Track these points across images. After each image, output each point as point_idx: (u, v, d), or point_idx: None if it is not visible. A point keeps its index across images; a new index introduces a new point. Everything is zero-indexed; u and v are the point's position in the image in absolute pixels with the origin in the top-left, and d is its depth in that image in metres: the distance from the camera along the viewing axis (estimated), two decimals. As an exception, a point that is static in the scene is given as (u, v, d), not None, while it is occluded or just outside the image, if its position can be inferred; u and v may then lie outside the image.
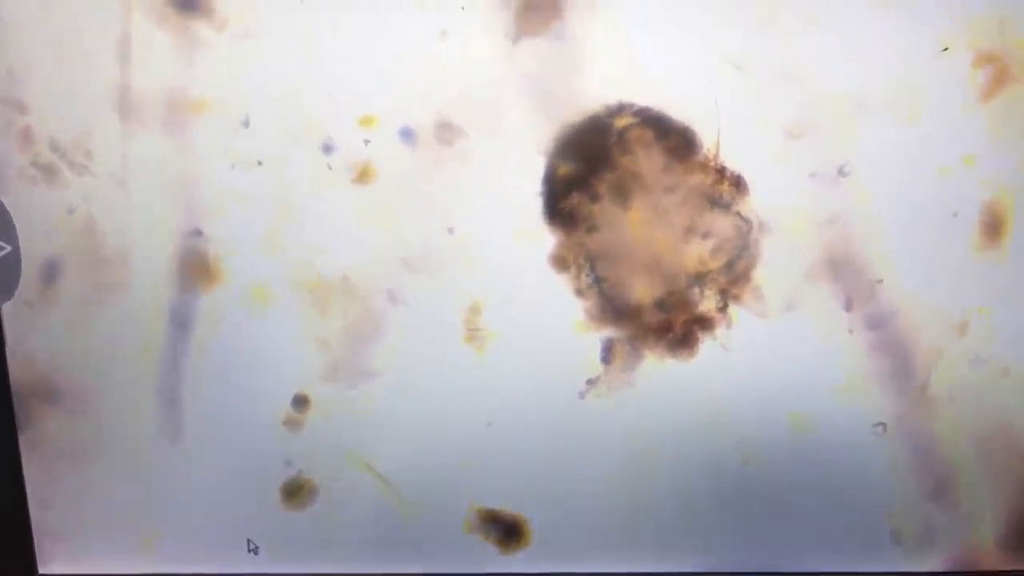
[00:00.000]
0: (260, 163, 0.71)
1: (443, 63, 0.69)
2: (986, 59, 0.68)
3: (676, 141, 0.70)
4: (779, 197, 0.71)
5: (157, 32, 0.69)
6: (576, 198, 0.71)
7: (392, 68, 0.69)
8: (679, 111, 0.70)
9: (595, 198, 0.71)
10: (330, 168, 0.71)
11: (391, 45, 0.69)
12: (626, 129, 0.70)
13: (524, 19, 0.68)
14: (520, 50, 0.69)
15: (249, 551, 0.77)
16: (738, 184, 0.71)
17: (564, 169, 0.71)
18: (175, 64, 0.69)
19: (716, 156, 0.70)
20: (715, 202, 0.71)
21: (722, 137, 0.70)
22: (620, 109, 0.70)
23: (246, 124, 0.70)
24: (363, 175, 0.71)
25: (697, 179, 0.71)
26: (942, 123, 0.69)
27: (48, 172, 0.71)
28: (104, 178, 0.71)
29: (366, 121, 0.70)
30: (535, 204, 0.71)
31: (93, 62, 0.70)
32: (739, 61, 0.69)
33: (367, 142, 0.70)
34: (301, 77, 0.70)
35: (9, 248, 0.72)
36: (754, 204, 0.71)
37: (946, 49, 0.66)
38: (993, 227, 0.71)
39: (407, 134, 0.70)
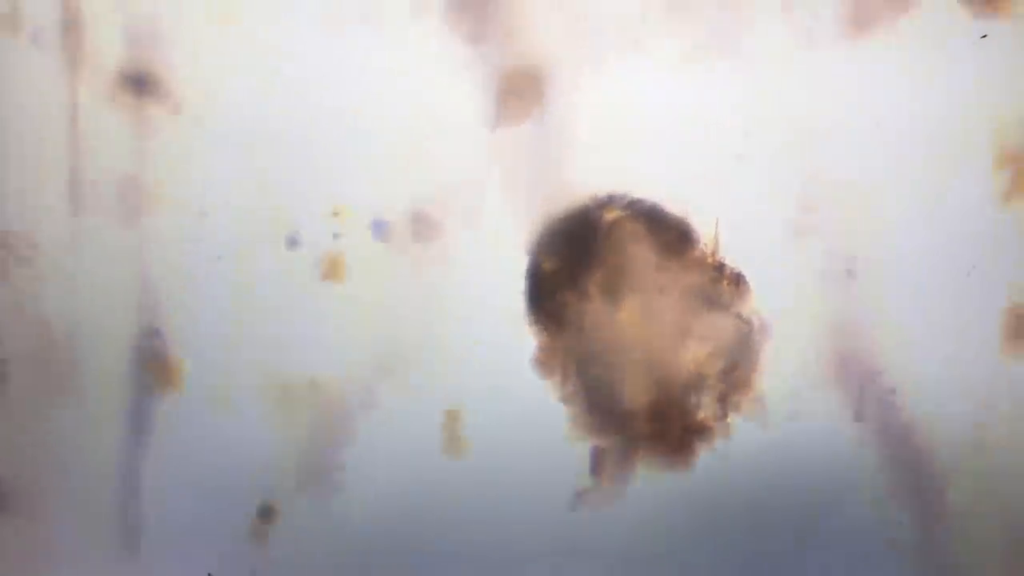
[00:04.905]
0: (220, 257, 0.66)
1: (419, 151, 0.64)
2: (1009, 159, 0.62)
3: (670, 236, 0.65)
4: (783, 297, 0.65)
5: (107, 114, 0.64)
6: (562, 297, 0.66)
7: (363, 156, 0.64)
8: (674, 203, 0.64)
9: (583, 297, 0.66)
10: (296, 263, 0.65)
11: (362, 130, 0.64)
12: (616, 223, 0.65)
13: (505, 104, 0.63)
14: (500, 138, 0.63)
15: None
16: (738, 283, 0.65)
17: (549, 265, 0.65)
18: (126, 150, 0.64)
19: (714, 252, 0.65)
20: (713, 302, 0.65)
21: (721, 232, 0.64)
22: (609, 201, 0.65)
23: (204, 215, 0.65)
24: (332, 271, 0.66)
25: (693, 277, 0.65)
26: (960, 223, 0.63)
27: (-6, 266, 0.66)
28: (54, 273, 0.66)
29: (335, 213, 0.65)
30: (518, 303, 0.66)
31: (40, 149, 0.65)
32: (740, 150, 0.63)
33: (336, 236, 0.65)
34: (265, 164, 0.64)
35: (-47, 347, 0.67)
36: (756, 304, 0.65)
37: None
38: (1016, 333, 0.65)
39: (380, 228, 0.65)
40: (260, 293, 0.66)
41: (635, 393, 0.67)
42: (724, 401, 0.67)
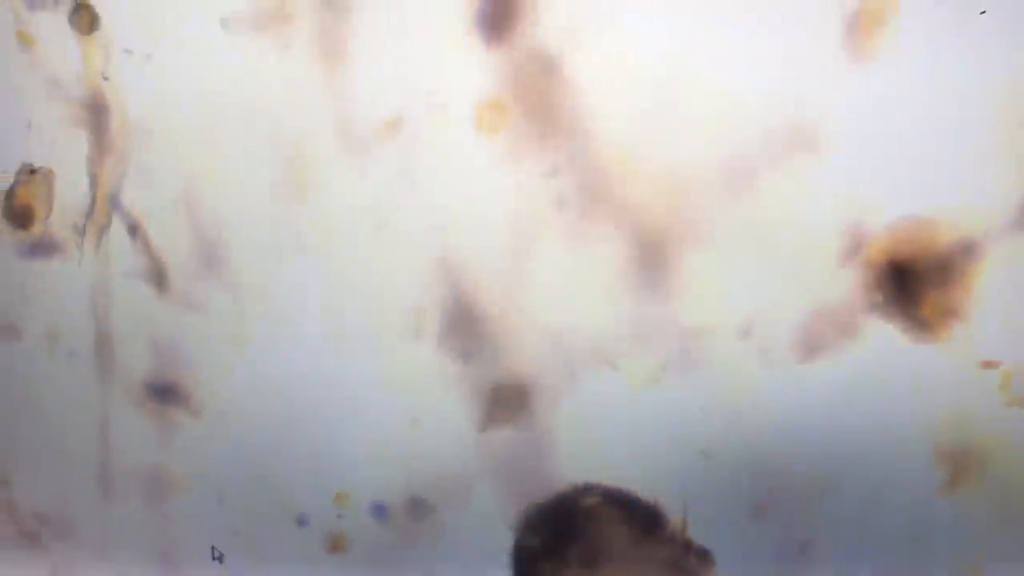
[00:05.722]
0: (236, 534, 0.73)
1: (415, 447, 0.71)
2: (946, 458, 0.69)
3: (642, 519, 0.72)
4: (745, 569, 0.72)
5: (135, 417, 0.71)
6: (544, 568, 0.73)
7: (365, 450, 0.71)
8: (645, 491, 0.71)
9: (563, 568, 0.73)
10: (304, 539, 0.73)
11: (365, 429, 0.71)
12: (593, 507, 0.72)
13: (492, 411, 0.70)
14: (489, 437, 0.70)
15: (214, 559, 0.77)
16: (704, 557, 0.73)
17: (532, 542, 0.72)
18: (152, 447, 0.71)
19: (683, 532, 0.72)
20: (682, 572, 0.73)
21: (688, 514, 0.71)
22: (587, 490, 0.72)
23: (221, 500, 0.72)
24: (336, 546, 0.73)
25: (664, 552, 0.72)
26: (904, 512, 0.71)
27: (31, 539, 0.74)
28: (86, 546, 0.73)
29: (340, 498, 0.72)
30: (504, 573, 0.73)
31: (74, 446, 0.72)
32: (706, 450, 0.70)
33: (340, 517, 0.72)
34: (276, 457, 0.72)
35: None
36: (720, 574, 0.73)
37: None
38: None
39: (379, 510, 0.72)
40: (272, 563, 0.73)
41: (611, 648, 0.74)
42: (692, 655, 0.74)
